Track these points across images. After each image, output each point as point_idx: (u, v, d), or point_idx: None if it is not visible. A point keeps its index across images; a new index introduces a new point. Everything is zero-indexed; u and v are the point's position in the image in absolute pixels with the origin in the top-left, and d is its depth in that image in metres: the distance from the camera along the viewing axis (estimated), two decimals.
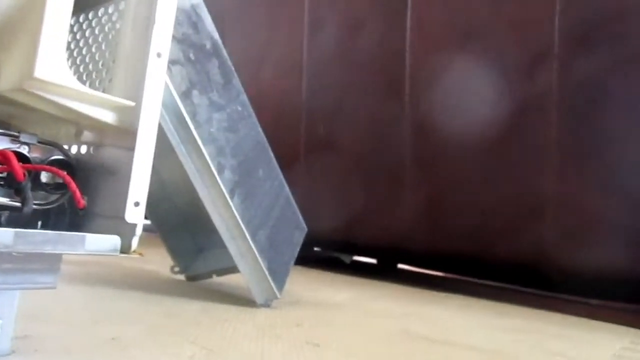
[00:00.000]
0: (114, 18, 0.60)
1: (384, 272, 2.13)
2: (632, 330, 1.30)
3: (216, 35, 1.18)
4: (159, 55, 0.56)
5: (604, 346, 1.07)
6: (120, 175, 0.55)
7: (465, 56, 1.78)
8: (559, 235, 1.63)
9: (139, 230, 0.55)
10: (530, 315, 1.42)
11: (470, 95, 1.76)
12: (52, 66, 0.48)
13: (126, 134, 0.56)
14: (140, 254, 0.55)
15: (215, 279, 1.34)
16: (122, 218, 0.54)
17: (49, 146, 0.57)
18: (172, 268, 1.33)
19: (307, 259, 1.79)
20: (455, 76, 1.80)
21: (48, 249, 0.48)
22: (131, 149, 0.55)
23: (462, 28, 1.78)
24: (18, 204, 0.51)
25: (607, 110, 1.51)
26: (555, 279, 1.72)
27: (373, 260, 2.41)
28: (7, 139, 0.54)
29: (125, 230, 0.54)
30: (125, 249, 0.54)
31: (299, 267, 1.30)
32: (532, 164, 1.65)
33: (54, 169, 0.52)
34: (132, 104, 0.54)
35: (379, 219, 2.00)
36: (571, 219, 1.61)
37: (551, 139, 1.60)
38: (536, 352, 0.94)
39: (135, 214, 0.54)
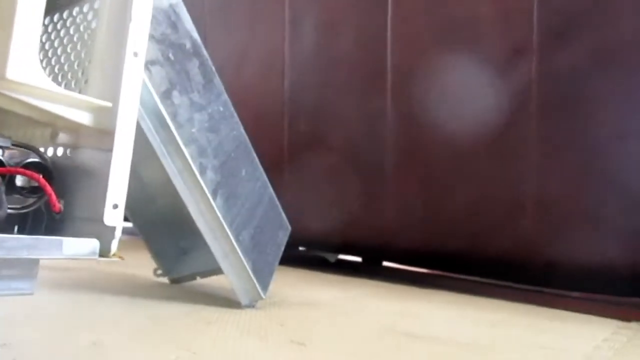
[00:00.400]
0: (89, 17, 0.59)
1: (369, 270, 2.13)
2: (614, 322, 1.32)
3: (196, 35, 1.16)
4: (135, 54, 0.55)
5: (586, 338, 1.08)
6: (98, 177, 0.54)
7: (446, 51, 1.79)
8: (541, 230, 1.64)
9: (118, 233, 0.54)
10: (515, 310, 1.44)
11: (451, 90, 1.77)
12: (24, 67, 0.47)
13: (103, 135, 0.54)
14: (120, 257, 0.54)
15: (199, 280, 1.33)
16: (101, 221, 0.53)
17: (23, 149, 0.56)
18: (155, 271, 1.32)
19: (292, 258, 1.78)
20: (437, 71, 1.81)
21: (24, 254, 0.47)
22: (109, 150, 0.54)
23: (443, 22, 1.78)
24: None
25: (586, 104, 1.53)
26: (539, 273, 1.73)
27: (358, 259, 2.41)
28: None
29: (104, 233, 0.53)
30: (104, 253, 0.53)
31: (283, 267, 1.29)
32: (514, 159, 1.67)
33: (28, 172, 0.51)
34: (109, 104, 0.53)
35: (363, 216, 2.00)
36: (553, 213, 1.63)
37: (532, 134, 1.61)
38: (520, 345, 0.95)
39: (114, 217, 0.53)
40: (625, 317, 1.37)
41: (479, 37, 1.70)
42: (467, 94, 1.74)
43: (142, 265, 1.38)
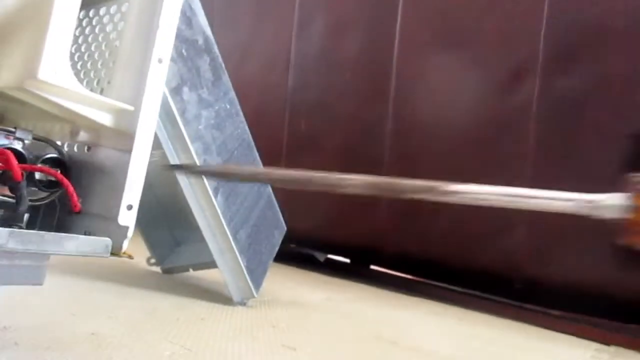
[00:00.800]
0: (116, 19, 0.60)
1: (357, 272, 2.15)
2: (593, 344, 1.35)
3: (208, 31, 1.17)
4: (160, 60, 0.56)
5: (563, 359, 1.11)
6: (115, 177, 0.56)
7: (451, 63, 1.81)
8: (527, 247, 1.68)
9: (130, 233, 0.55)
10: (497, 325, 1.47)
11: (452, 101, 1.79)
12: (55, 68, 0.48)
13: (123, 136, 0.56)
14: (130, 256, 0.55)
15: (192, 273, 1.34)
16: (115, 220, 0.54)
17: (43, 142, 0.57)
18: (148, 260, 1.33)
19: (282, 254, 1.80)
20: (440, 82, 1.83)
21: (41, 249, 0.48)
22: (127, 151, 0.55)
23: (450, 35, 1.80)
24: (11, 201, 0.52)
25: (582, 128, 1.56)
26: (522, 289, 1.77)
27: (347, 260, 2.43)
28: (2, 133, 0.54)
29: (116, 232, 0.54)
30: (115, 251, 0.54)
31: (274, 264, 1.31)
32: (507, 174, 1.70)
33: (53, 171, 0.52)
34: (132, 108, 0.55)
35: (354, 219, 2.02)
36: (541, 232, 1.66)
37: (527, 152, 1.64)
38: None
39: (128, 217, 0.55)
40: (605, 339, 1.41)
41: (485, 52, 1.72)
42: (468, 106, 1.76)
43: (135, 253, 1.39)
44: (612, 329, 1.52)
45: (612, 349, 1.34)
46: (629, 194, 0.45)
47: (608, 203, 0.47)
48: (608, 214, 0.46)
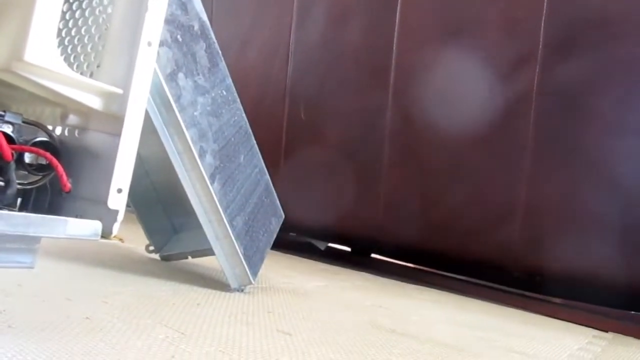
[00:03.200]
0: (105, 2, 0.60)
1: (358, 260, 2.16)
2: (591, 331, 1.35)
3: (204, 17, 1.17)
4: (149, 44, 0.56)
5: (561, 345, 1.11)
6: (105, 160, 0.56)
7: (451, 52, 1.80)
8: (528, 236, 1.68)
9: (120, 216, 0.55)
10: (494, 312, 1.47)
11: (453, 92, 1.79)
12: (42, 50, 0.48)
13: (112, 119, 0.56)
14: (120, 239, 0.56)
15: (190, 260, 1.35)
16: (104, 203, 0.54)
17: (34, 126, 0.57)
18: (146, 247, 1.34)
19: (282, 243, 1.80)
20: (440, 72, 1.82)
21: (30, 232, 0.49)
22: (116, 135, 0.55)
23: (450, 24, 1.79)
24: (0, 184, 0.52)
25: (583, 117, 1.55)
26: (523, 277, 1.77)
27: (347, 249, 2.44)
28: None
29: (106, 216, 0.55)
30: (105, 234, 0.54)
31: (273, 252, 1.31)
32: (507, 165, 1.69)
33: (42, 151, 0.52)
34: (120, 91, 0.55)
35: (356, 208, 2.03)
36: (539, 221, 1.66)
37: (528, 141, 1.63)
38: (496, 349, 0.98)
39: (118, 200, 0.55)
40: (603, 326, 1.41)
41: (485, 42, 1.71)
42: (467, 97, 1.76)
43: (134, 239, 1.40)
44: (610, 316, 1.52)
45: (610, 335, 1.34)
46: None
47: None
48: None
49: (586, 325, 1.43)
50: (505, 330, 1.21)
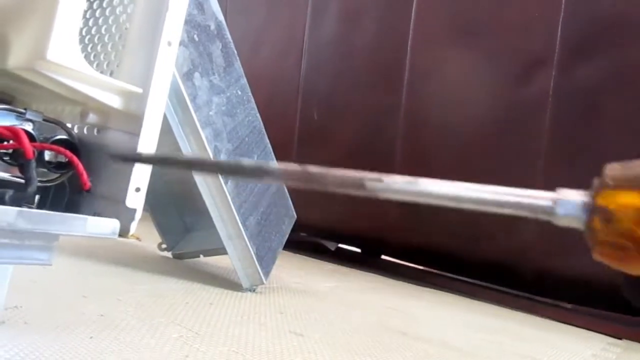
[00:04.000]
0: (126, 1, 0.60)
1: (368, 261, 2.15)
2: (604, 338, 1.34)
3: (221, 17, 1.17)
4: (169, 43, 0.56)
5: (575, 352, 1.10)
6: None
7: (466, 53, 1.79)
8: (539, 239, 1.66)
9: (138, 215, 0.55)
10: (505, 316, 1.46)
11: (466, 92, 1.78)
12: (64, 49, 0.48)
13: (131, 118, 0.56)
14: (137, 238, 0.56)
15: (201, 259, 1.35)
16: (123, 202, 0.54)
17: (53, 124, 0.58)
18: (159, 245, 1.34)
19: (293, 243, 1.80)
20: (454, 72, 1.81)
21: (50, 229, 0.49)
22: (135, 134, 0.56)
23: (466, 25, 1.78)
24: (21, 181, 0.52)
25: (598, 121, 1.54)
26: (533, 280, 1.75)
27: (357, 250, 2.44)
28: (13, 115, 0.54)
29: (124, 215, 0.55)
30: (123, 233, 0.55)
31: (284, 252, 1.31)
32: (521, 166, 1.68)
33: (63, 149, 0.52)
34: (140, 90, 0.55)
35: (366, 209, 2.02)
36: (553, 224, 1.65)
37: (541, 144, 1.62)
38: (507, 354, 0.97)
39: (136, 200, 0.55)
40: (616, 333, 1.39)
41: (500, 43, 1.70)
42: (481, 97, 1.74)
43: (146, 237, 1.41)
44: (624, 323, 1.51)
45: (624, 342, 1.33)
46: (591, 191, 0.31)
47: (561, 207, 0.32)
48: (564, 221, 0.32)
49: (599, 332, 1.41)
50: (517, 335, 1.20)
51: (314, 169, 0.38)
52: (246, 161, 0.47)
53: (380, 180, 0.37)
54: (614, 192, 0.30)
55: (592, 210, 0.31)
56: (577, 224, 0.32)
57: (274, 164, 1.25)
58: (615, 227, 0.29)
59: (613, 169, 0.31)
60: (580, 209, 0.32)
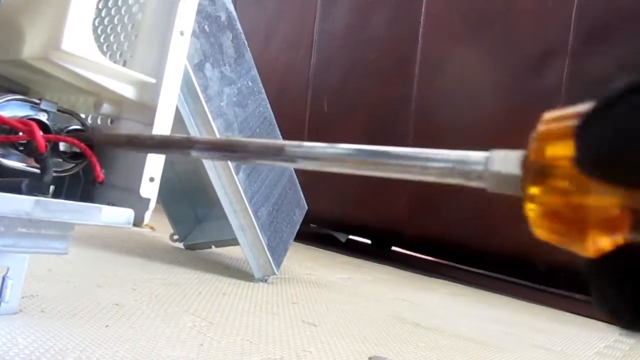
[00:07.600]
0: None
1: (378, 253, 2.15)
2: (617, 329, 1.33)
3: (231, 7, 1.17)
4: (182, 33, 0.56)
5: (588, 343, 1.10)
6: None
7: (478, 44, 1.78)
8: None
9: (152, 205, 0.56)
10: (519, 308, 1.45)
11: (479, 83, 1.76)
12: (78, 39, 0.48)
13: (144, 109, 0.56)
14: (151, 227, 0.56)
15: (213, 249, 1.36)
16: (137, 192, 0.55)
17: (68, 115, 0.58)
18: (171, 236, 1.35)
19: (303, 234, 1.81)
20: (466, 63, 1.80)
21: (66, 218, 0.49)
22: (149, 124, 0.56)
23: (478, 16, 1.77)
24: (37, 171, 0.52)
25: None
26: (545, 272, 1.75)
27: (368, 241, 2.44)
28: (27, 105, 0.54)
29: (139, 204, 0.55)
30: (137, 222, 0.55)
31: (295, 243, 1.31)
32: None
33: (77, 141, 0.53)
34: (153, 80, 0.55)
35: (377, 201, 2.02)
36: None
37: None
38: (521, 345, 0.97)
39: (150, 189, 0.55)
40: None
41: (513, 33, 1.68)
42: (494, 89, 1.73)
43: (158, 228, 1.42)
44: None
45: (637, 334, 1.32)
46: (527, 150, 0.24)
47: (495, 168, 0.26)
48: (494, 185, 0.26)
49: (611, 323, 1.40)
50: (530, 326, 1.20)
51: (237, 138, 0.37)
52: (175, 135, 0.45)
53: (300, 146, 0.34)
54: (547, 142, 0.23)
55: (526, 168, 0.25)
56: (514, 189, 0.26)
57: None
58: (549, 187, 0.23)
59: (551, 115, 0.24)
60: (516, 166, 0.26)
